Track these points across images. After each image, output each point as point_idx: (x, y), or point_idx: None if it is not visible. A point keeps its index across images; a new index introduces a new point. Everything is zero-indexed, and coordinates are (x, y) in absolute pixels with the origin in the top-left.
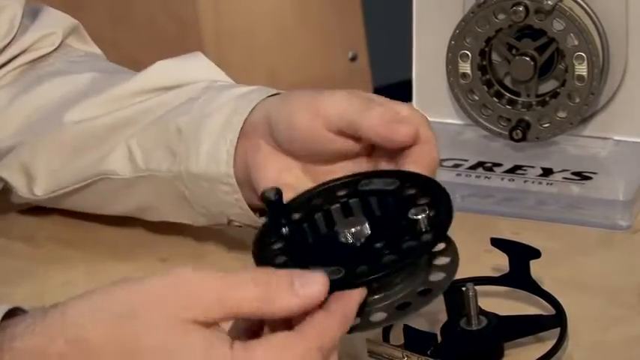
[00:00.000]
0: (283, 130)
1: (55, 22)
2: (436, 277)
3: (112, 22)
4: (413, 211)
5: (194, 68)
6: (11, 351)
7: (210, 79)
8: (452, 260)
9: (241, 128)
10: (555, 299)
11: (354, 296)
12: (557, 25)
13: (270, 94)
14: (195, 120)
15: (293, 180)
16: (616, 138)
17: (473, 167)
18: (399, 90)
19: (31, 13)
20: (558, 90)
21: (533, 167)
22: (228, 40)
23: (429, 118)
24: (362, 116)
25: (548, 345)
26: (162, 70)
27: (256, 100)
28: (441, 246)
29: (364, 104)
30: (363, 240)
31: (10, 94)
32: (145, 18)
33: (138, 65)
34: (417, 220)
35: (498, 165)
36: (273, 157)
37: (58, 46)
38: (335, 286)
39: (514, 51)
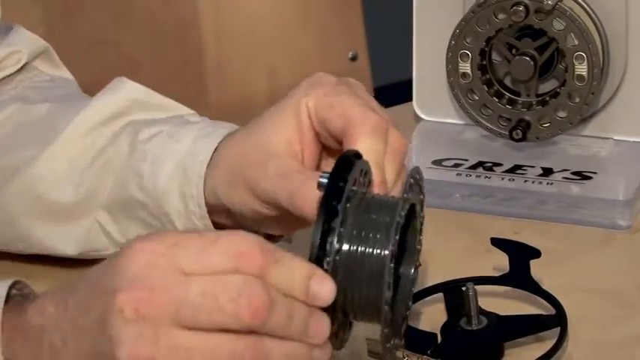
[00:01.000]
0: (233, 211)
1: (21, 41)
2: None
3: (112, 22)
4: None
5: (122, 95)
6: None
7: (136, 98)
8: None
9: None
10: (555, 299)
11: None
12: (558, 25)
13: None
14: (152, 191)
15: None
16: (616, 138)
17: (473, 167)
18: (400, 90)
19: (3, 31)
20: (558, 90)
21: (533, 167)
22: (228, 40)
23: (429, 118)
24: (292, 206)
25: (549, 344)
26: (97, 108)
27: (202, 168)
28: None
29: (295, 186)
30: None
31: None
32: (145, 18)
33: (138, 64)
34: None
35: (498, 165)
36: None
37: (23, 67)
38: None
39: (514, 51)
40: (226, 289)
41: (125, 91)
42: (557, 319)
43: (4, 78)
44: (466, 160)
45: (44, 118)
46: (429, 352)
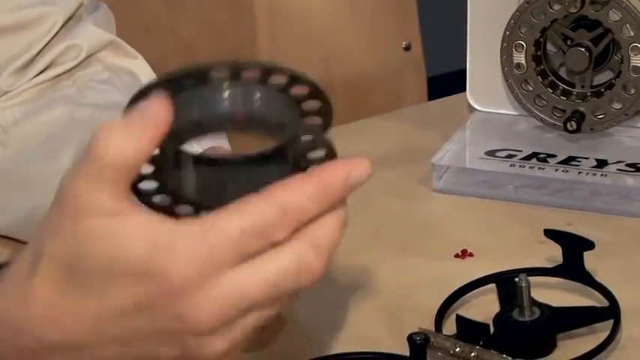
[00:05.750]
0: None
1: (82, 35)
2: None
3: (166, 8)
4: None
5: None
6: None
7: None
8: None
9: None
10: (609, 291)
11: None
12: (613, 16)
13: None
14: None
15: None
16: None
17: (527, 158)
18: (453, 80)
19: (86, 13)
20: (613, 81)
21: (587, 158)
22: (281, 29)
23: (483, 109)
24: None
25: (602, 337)
26: None
27: None
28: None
29: None
30: None
31: (19, 113)
32: (198, 3)
33: (192, 51)
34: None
35: (552, 156)
36: None
37: (86, 60)
38: None
39: (569, 42)
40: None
41: None
42: (611, 311)
43: (64, 73)
44: (520, 150)
45: (86, 124)
46: (481, 342)
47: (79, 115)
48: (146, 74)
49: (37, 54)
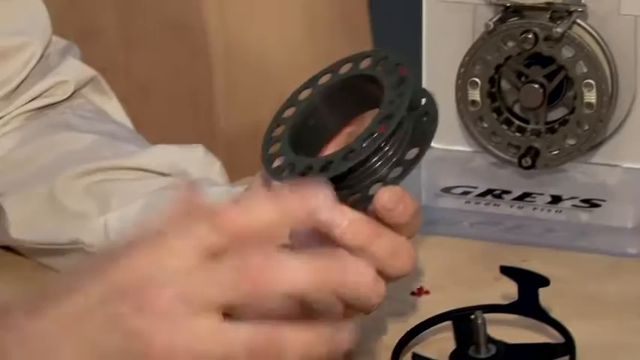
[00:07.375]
0: None
1: (69, 71)
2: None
3: (124, 49)
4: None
5: (193, 160)
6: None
7: (204, 174)
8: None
9: None
10: (564, 327)
11: None
12: (567, 53)
13: None
14: None
15: None
16: (625, 165)
17: (482, 194)
18: None
19: (60, 54)
20: (567, 117)
21: (542, 194)
22: (238, 66)
23: (438, 145)
24: None
25: None
26: (164, 155)
27: None
28: None
29: None
30: None
31: (15, 141)
32: (156, 45)
33: (148, 92)
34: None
35: (507, 192)
36: None
37: (70, 96)
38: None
39: (523, 78)
40: None
41: (189, 163)
42: (566, 348)
43: (49, 105)
44: (475, 187)
45: (90, 148)
46: None
47: (83, 142)
48: (119, 116)
49: (19, 86)
